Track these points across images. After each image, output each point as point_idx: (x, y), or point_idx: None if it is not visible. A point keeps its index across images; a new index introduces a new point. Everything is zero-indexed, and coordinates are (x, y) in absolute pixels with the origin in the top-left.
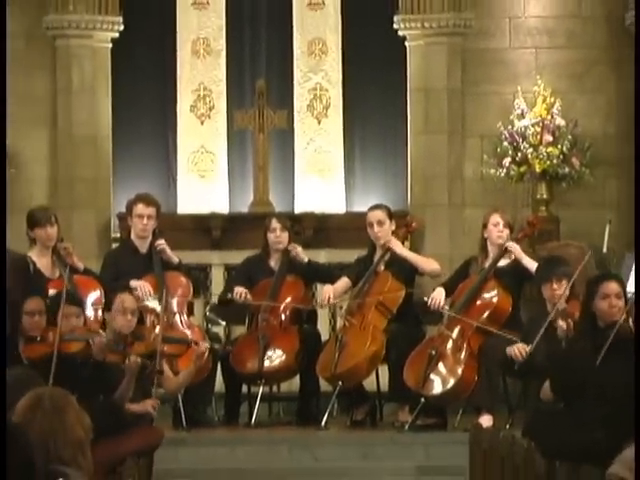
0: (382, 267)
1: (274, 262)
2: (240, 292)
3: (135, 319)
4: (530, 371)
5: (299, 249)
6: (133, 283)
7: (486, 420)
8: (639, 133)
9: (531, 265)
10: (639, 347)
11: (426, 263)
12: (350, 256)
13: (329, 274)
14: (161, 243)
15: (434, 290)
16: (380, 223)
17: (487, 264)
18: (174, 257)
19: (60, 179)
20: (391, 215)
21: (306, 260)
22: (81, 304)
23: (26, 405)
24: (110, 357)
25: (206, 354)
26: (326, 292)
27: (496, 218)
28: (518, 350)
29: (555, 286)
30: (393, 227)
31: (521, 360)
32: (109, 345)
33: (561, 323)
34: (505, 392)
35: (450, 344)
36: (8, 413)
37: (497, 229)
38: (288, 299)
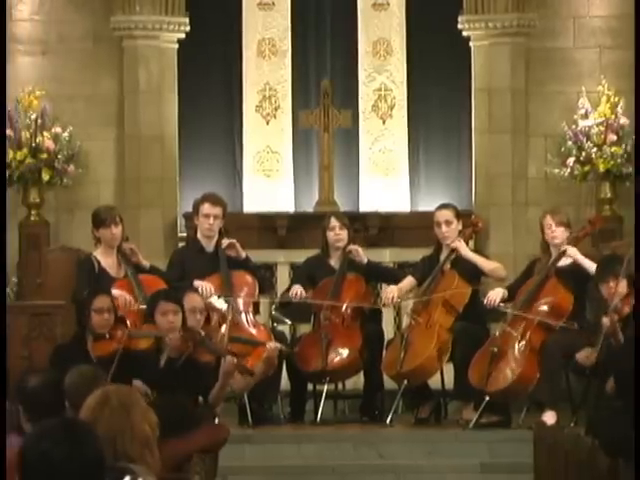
0: (448, 266)
1: (334, 261)
2: (295, 291)
3: (203, 318)
4: (595, 370)
5: (359, 250)
6: (196, 283)
7: (550, 417)
8: (639, 133)
9: (590, 267)
10: (639, 346)
11: (491, 267)
12: (414, 255)
13: (389, 274)
14: (230, 241)
15: (492, 290)
16: (448, 223)
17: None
18: (242, 252)
19: (127, 179)
20: (459, 215)
21: (365, 260)
22: (179, 301)
23: (94, 402)
24: (203, 356)
25: (276, 355)
26: (390, 292)
27: (548, 220)
28: (586, 356)
29: (612, 284)
30: (460, 227)
31: (590, 365)
32: (204, 343)
33: (605, 320)
34: (568, 389)
35: (511, 341)
36: (75, 410)
37: (550, 230)
38: (349, 297)
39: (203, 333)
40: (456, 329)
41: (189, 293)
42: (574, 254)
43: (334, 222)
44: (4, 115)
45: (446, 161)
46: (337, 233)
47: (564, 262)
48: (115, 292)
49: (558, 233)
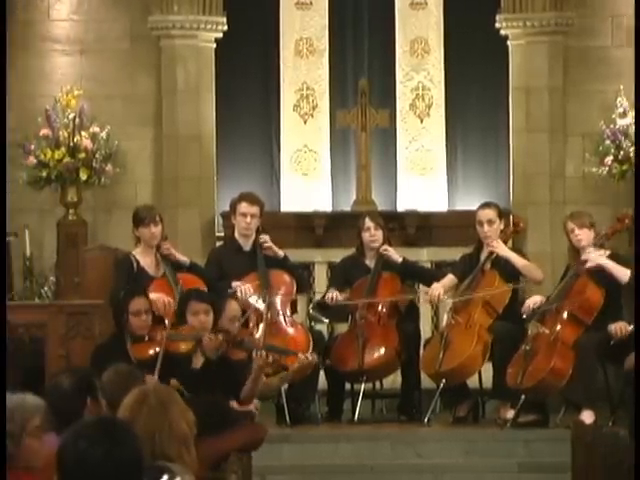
0: (489, 266)
1: (369, 260)
2: (331, 296)
3: (239, 324)
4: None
5: (391, 250)
6: (234, 284)
7: (587, 416)
8: (639, 134)
9: (613, 268)
10: (639, 346)
11: (529, 269)
12: (452, 254)
13: (425, 273)
14: (266, 239)
15: (530, 298)
16: (490, 222)
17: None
18: (279, 251)
19: (165, 178)
20: (501, 214)
21: (400, 260)
22: (210, 301)
23: (132, 401)
24: (235, 354)
25: (307, 366)
26: (436, 289)
27: (570, 225)
28: (619, 327)
29: None
30: (502, 226)
31: (620, 336)
32: (239, 342)
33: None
34: (607, 388)
35: (543, 338)
36: (112, 409)
37: (574, 235)
38: (385, 296)
39: (233, 331)
40: (495, 329)
41: (229, 300)
42: (595, 260)
43: (369, 222)
44: (4, 114)
45: (484, 160)
46: (372, 234)
47: (592, 263)
48: (153, 296)
49: (583, 236)
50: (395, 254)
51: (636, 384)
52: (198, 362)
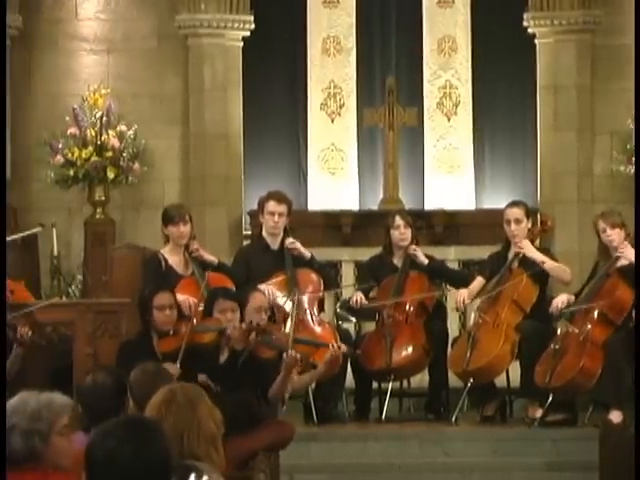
0: (516, 265)
1: (397, 259)
2: (356, 299)
3: (266, 317)
4: None
5: (419, 251)
6: (260, 287)
7: (616, 416)
8: (639, 134)
9: None
10: (639, 346)
11: (557, 270)
12: (479, 253)
13: (453, 275)
14: (292, 241)
15: (557, 296)
16: (518, 221)
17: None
18: (306, 252)
19: (192, 177)
20: (528, 213)
21: (426, 262)
22: (238, 298)
23: (160, 400)
24: (265, 352)
25: (340, 358)
26: (461, 294)
27: (601, 224)
28: None
29: None
30: (529, 225)
31: None
32: (265, 337)
33: None
34: (636, 388)
35: (573, 337)
36: (139, 408)
37: (606, 235)
38: (412, 295)
39: (262, 328)
40: (523, 328)
41: (254, 292)
42: (629, 256)
43: (399, 221)
44: (4, 113)
45: (511, 159)
46: (402, 232)
47: (625, 261)
48: (179, 297)
49: (614, 236)
50: (422, 256)
51: (636, 383)
52: (225, 356)
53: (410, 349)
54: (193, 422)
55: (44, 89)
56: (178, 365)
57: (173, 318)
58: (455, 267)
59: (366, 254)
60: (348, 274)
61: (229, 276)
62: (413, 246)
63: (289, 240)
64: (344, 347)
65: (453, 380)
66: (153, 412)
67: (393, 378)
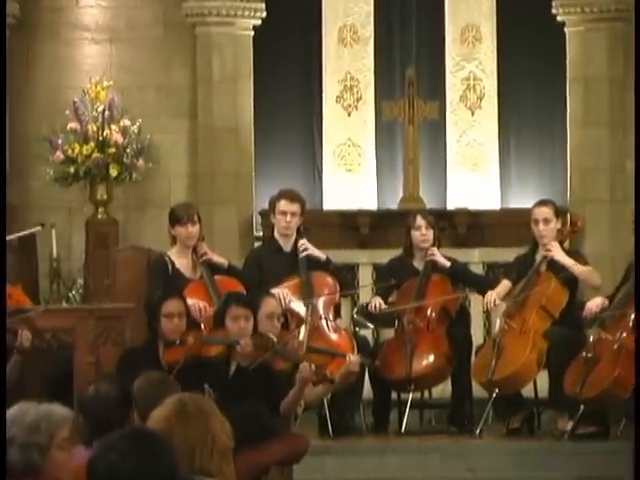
0: (544, 267)
1: (418, 262)
2: (375, 304)
3: (279, 324)
4: None
5: (437, 254)
6: (273, 291)
7: None
8: (639, 135)
9: None
10: (639, 346)
11: (587, 275)
12: (504, 255)
13: (477, 279)
14: (303, 243)
15: (591, 299)
16: (546, 221)
17: None
18: (320, 254)
19: (200, 173)
20: (557, 213)
21: (448, 265)
22: (252, 306)
23: (169, 412)
24: (278, 363)
25: (357, 370)
26: (491, 295)
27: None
28: None
29: None
30: (559, 226)
31: None
32: (277, 350)
33: None
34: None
35: (606, 345)
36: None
37: None
38: (434, 299)
39: (276, 339)
40: (552, 335)
41: (267, 297)
42: None
43: (420, 221)
44: (4, 111)
45: (539, 155)
46: (423, 233)
47: None
48: (189, 301)
49: None
50: (441, 258)
51: (636, 384)
52: (233, 369)
53: (432, 357)
54: (207, 436)
55: (43, 81)
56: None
57: (182, 327)
58: (479, 270)
59: (385, 256)
60: (366, 278)
61: (240, 280)
62: (431, 249)
63: (300, 242)
64: (358, 358)
65: (477, 390)
66: (161, 424)
67: (413, 388)
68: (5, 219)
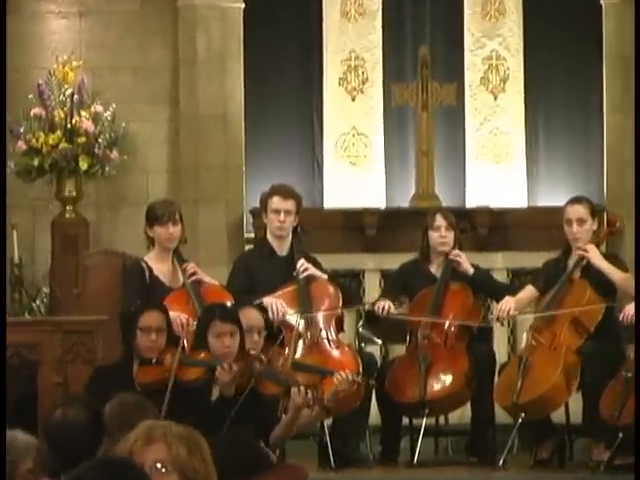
0: (578, 274)
1: (435, 267)
2: (382, 305)
3: (262, 339)
4: None
5: (463, 257)
6: (265, 300)
7: None
8: (639, 137)
9: None
10: (639, 347)
11: (627, 282)
12: (532, 260)
13: (502, 288)
14: (303, 264)
15: (629, 306)
16: (581, 221)
17: None
18: (320, 274)
19: (182, 167)
20: (593, 211)
21: (471, 271)
22: (237, 321)
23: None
24: (267, 386)
25: (355, 388)
26: (506, 303)
27: None
28: None
29: None
30: (594, 227)
31: None
32: (267, 374)
33: None
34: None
35: None
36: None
37: None
38: (453, 312)
39: (265, 359)
40: (586, 351)
41: (245, 308)
42: None
43: (440, 221)
44: (4, 109)
45: (571, 145)
46: (443, 235)
47: None
48: (172, 314)
49: None
50: (467, 263)
51: (636, 386)
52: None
53: (450, 378)
54: (192, 470)
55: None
56: (165, 406)
57: (160, 344)
58: (503, 278)
59: (394, 261)
60: (372, 286)
61: (229, 292)
62: (456, 250)
63: (300, 262)
64: (354, 376)
65: (501, 415)
66: (136, 454)
67: (428, 413)
68: (5, 221)
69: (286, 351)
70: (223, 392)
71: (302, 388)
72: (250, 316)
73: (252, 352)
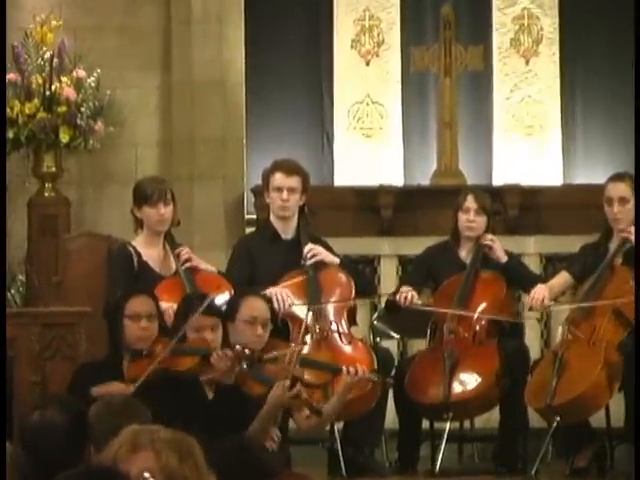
0: (620, 260)
1: (465, 253)
2: (404, 293)
3: (267, 333)
4: None
5: (496, 244)
6: (269, 290)
7: None
8: (639, 137)
9: None
10: (639, 348)
11: None
12: (568, 244)
13: (532, 279)
14: (312, 249)
15: None
16: (623, 201)
17: None
18: (334, 259)
19: (175, 140)
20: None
21: (505, 259)
22: (220, 313)
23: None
24: (253, 386)
25: (362, 387)
26: (539, 292)
27: None
28: None
29: None
30: None
31: None
32: (249, 367)
33: None
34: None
35: None
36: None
37: None
38: (484, 303)
39: (247, 352)
40: (628, 346)
41: (249, 296)
42: None
43: (470, 202)
44: (4, 106)
45: (612, 115)
46: (471, 219)
47: None
48: (163, 305)
49: None
50: (500, 250)
51: (636, 388)
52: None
53: (477, 377)
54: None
55: None
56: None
57: (152, 332)
58: (535, 265)
59: (414, 246)
60: (389, 273)
61: (228, 280)
62: (489, 235)
63: (308, 247)
64: (365, 373)
65: (533, 419)
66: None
67: (452, 416)
68: (5, 218)
69: (292, 346)
70: (221, 380)
71: (282, 382)
72: (254, 305)
73: (237, 347)
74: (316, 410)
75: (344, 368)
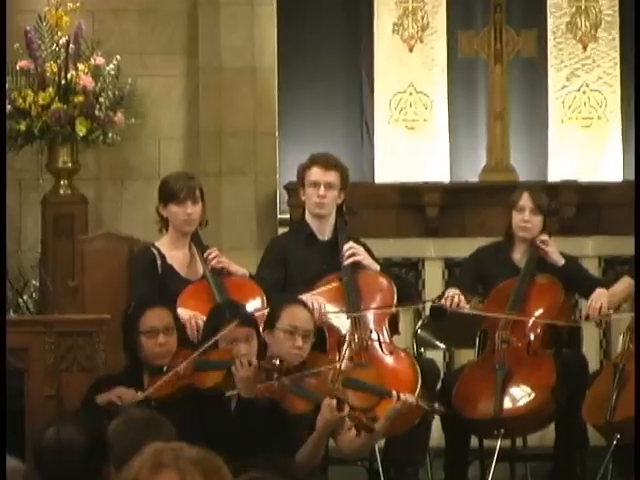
0: None
1: (520, 255)
2: (452, 296)
3: (308, 346)
4: None
5: (552, 246)
6: (303, 297)
7: None
8: (639, 136)
9: None
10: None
11: None
12: (629, 247)
13: (595, 286)
14: (351, 247)
15: None
16: None
17: None
18: (373, 264)
19: (202, 133)
20: None
21: (562, 262)
22: (254, 322)
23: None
24: (295, 403)
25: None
26: (598, 298)
27: None
28: None
29: None
30: None
31: None
32: (289, 386)
33: None
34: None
35: None
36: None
37: None
38: (540, 310)
39: (277, 363)
40: None
41: (290, 304)
42: None
43: (526, 201)
44: (4, 104)
45: None
46: (526, 219)
47: None
48: (182, 312)
49: None
50: (556, 252)
51: (636, 389)
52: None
53: (531, 391)
54: None
55: None
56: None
57: (171, 346)
58: (594, 268)
59: (461, 248)
60: (434, 277)
61: (260, 285)
62: (544, 236)
63: (347, 245)
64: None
65: (591, 437)
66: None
67: (503, 433)
68: (5, 218)
69: (336, 358)
70: (242, 393)
71: (328, 400)
72: (296, 314)
73: (274, 361)
74: (368, 427)
75: (394, 393)
